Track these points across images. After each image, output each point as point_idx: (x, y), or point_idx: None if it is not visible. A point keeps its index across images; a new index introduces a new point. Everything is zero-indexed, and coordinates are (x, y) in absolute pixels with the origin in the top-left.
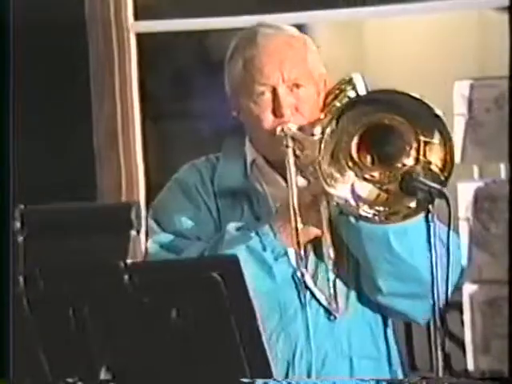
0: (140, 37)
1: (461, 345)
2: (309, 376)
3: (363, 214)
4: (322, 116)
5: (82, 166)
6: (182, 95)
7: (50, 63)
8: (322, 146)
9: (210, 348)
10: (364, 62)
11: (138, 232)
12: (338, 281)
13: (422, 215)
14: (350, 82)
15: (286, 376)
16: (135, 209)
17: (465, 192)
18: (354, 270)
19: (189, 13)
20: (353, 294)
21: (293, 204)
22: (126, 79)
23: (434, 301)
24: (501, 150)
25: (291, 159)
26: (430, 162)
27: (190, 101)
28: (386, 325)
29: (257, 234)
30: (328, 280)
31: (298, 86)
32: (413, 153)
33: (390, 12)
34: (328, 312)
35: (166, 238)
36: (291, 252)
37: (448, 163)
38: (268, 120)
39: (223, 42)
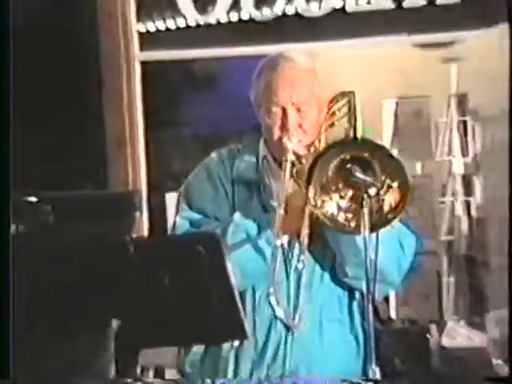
0: (143, 63)
1: (386, 299)
2: (287, 332)
3: (339, 219)
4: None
5: (96, 165)
6: (175, 110)
7: (70, 87)
8: (313, 179)
9: (194, 305)
10: None
11: (141, 213)
12: (302, 290)
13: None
14: (343, 94)
15: (269, 330)
16: (138, 196)
17: None
18: (330, 257)
19: (180, 45)
20: (327, 274)
21: (281, 205)
22: (131, 97)
23: (366, 266)
24: (417, 152)
25: (287, 172)
26: (383, 200)
27: (180, 114)
28: (352, 297)
29: (257, 224)
30: (294, 292)
31: (303, 107)
32: (375, 189)
33: (338, 46)
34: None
35: (191, 214)
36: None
37: (399, 206)
38: (277, 132)
39: (208, 68)
